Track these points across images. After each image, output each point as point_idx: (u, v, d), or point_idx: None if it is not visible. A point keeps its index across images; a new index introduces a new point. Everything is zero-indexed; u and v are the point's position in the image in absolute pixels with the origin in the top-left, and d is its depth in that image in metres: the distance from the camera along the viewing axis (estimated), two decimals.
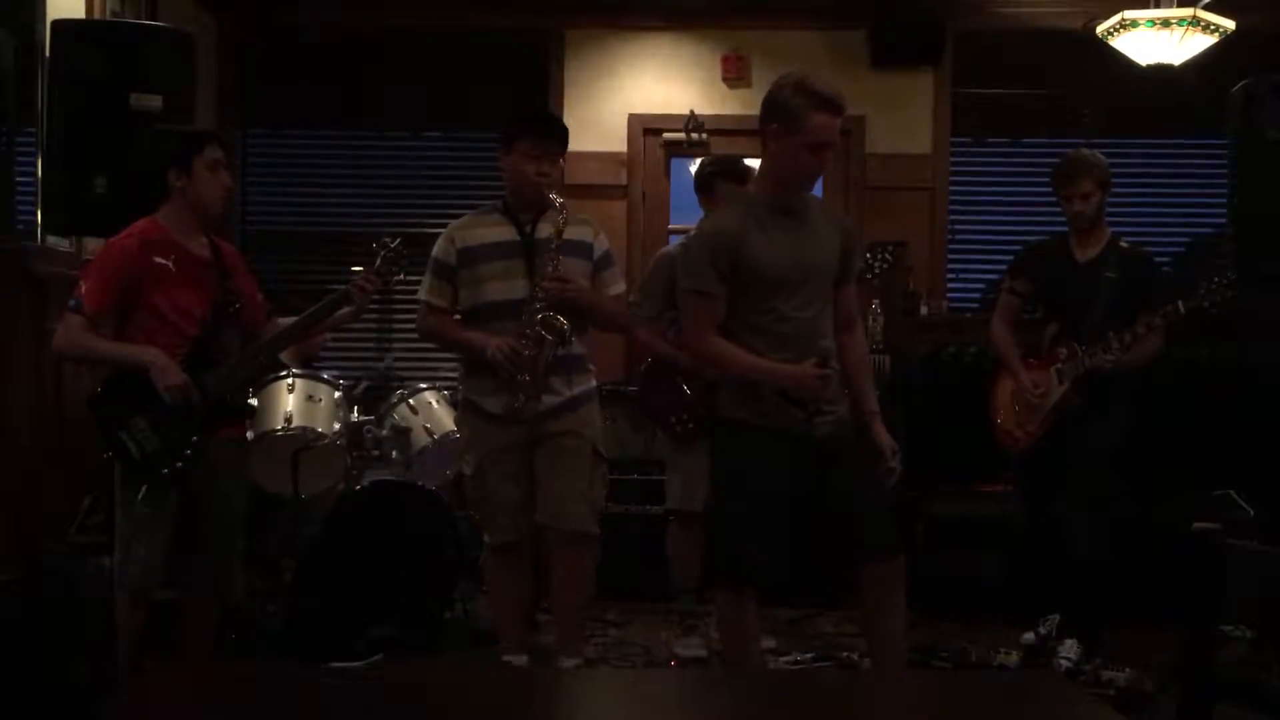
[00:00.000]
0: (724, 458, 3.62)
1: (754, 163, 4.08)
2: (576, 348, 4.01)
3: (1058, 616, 4.59)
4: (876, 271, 4.83)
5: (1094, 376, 4.38)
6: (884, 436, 3.60)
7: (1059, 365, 4.47)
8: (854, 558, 3.55)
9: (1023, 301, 4.73)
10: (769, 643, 4.66)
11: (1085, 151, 4.65)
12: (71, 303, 3.73)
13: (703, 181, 4.74)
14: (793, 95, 3.41)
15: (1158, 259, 5.12)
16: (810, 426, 3.45)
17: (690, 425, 4.60)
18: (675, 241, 5.40)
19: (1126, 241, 4.60)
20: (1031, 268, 4.71)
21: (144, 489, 3.68)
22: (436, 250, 4.07)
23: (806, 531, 3.56)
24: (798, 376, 3.40)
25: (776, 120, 3.44)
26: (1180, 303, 4.31)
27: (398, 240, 3.98)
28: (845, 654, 4.63)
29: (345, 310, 3.94)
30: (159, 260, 3.71)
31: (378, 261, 3.94)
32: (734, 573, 3.56)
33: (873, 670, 4.12)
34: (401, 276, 4.05)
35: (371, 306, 4.08)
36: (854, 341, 3.72)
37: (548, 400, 3.94)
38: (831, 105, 3.40)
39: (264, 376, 4.73)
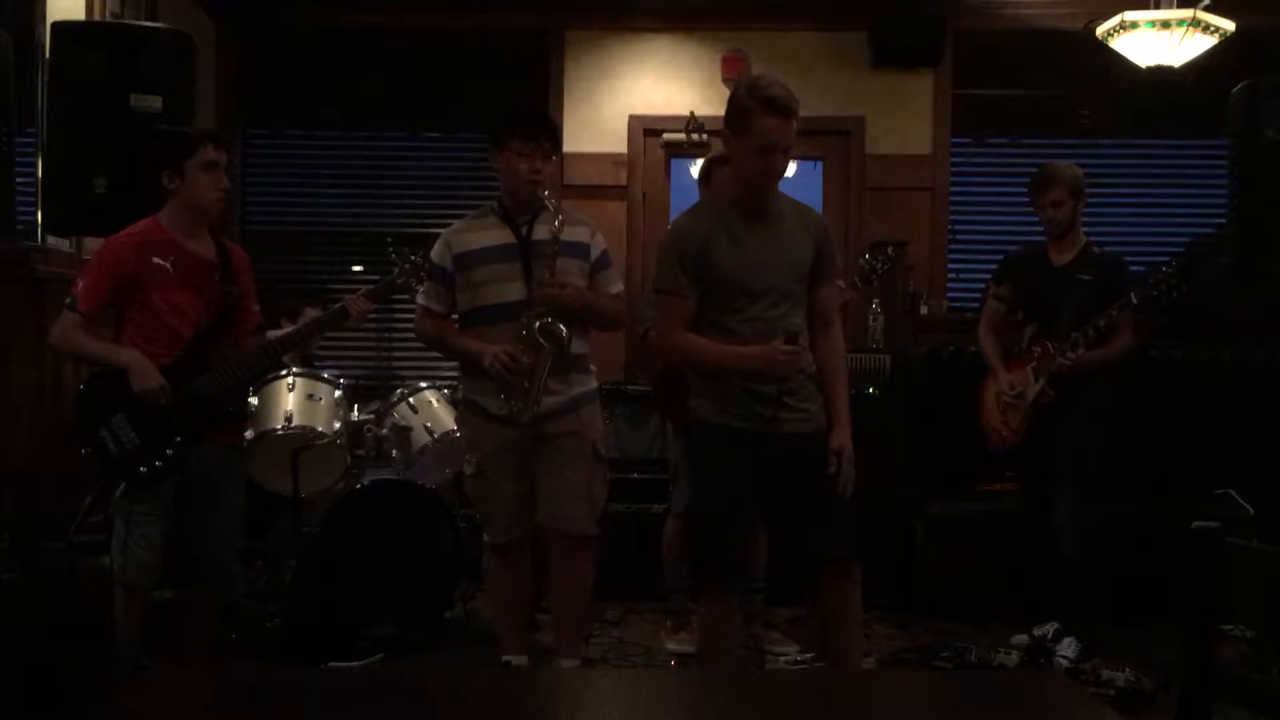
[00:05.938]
0: (697, 460, 3.61)
1: None
2: (578, 347, 4.00)
3: (1055, 625, 4.62)
4: (879, 273, 4.83)
5: (1068, 375, 4.49)
6: (838, 440, 3.50)
7: (1034, 364, 4.60)
8: (808, 562, 3.56)
9: (1007, 306, 4.86)
10: (791, 648, 4.68)
11: (1059, 163, 4.77)
12: (68, 300, 3.75)
13: (705, 173, 4.73)
14: (745, 97, 3.39)
15: (1156, 259, 5.14)
16: (777, 423, 3.44)
17: None
18: None
19: (1099, 247, 4.75)
20: (1012, 273, 4.87)
21: (122, 485, 3.68)
22: (433, 255, 4.07)
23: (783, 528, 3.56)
24: (766, 355, 3.36)
25: (730, 123, 3.44)
26: (1132, 294, 4.43)
27: (420, 252, 4.03)
28: None
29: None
30: (157, 261, 3.71)
31: (396, 271, 3.99)
32: (714, 575, 3.55)
33: (873, 670, 4.12)
34: (422, 288, 4.06)
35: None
36: (830, 344, 3.62)
37: (548, 401, 3.93)
38: (777, 107, 3.34)
39: (259, 382, 4.72)
